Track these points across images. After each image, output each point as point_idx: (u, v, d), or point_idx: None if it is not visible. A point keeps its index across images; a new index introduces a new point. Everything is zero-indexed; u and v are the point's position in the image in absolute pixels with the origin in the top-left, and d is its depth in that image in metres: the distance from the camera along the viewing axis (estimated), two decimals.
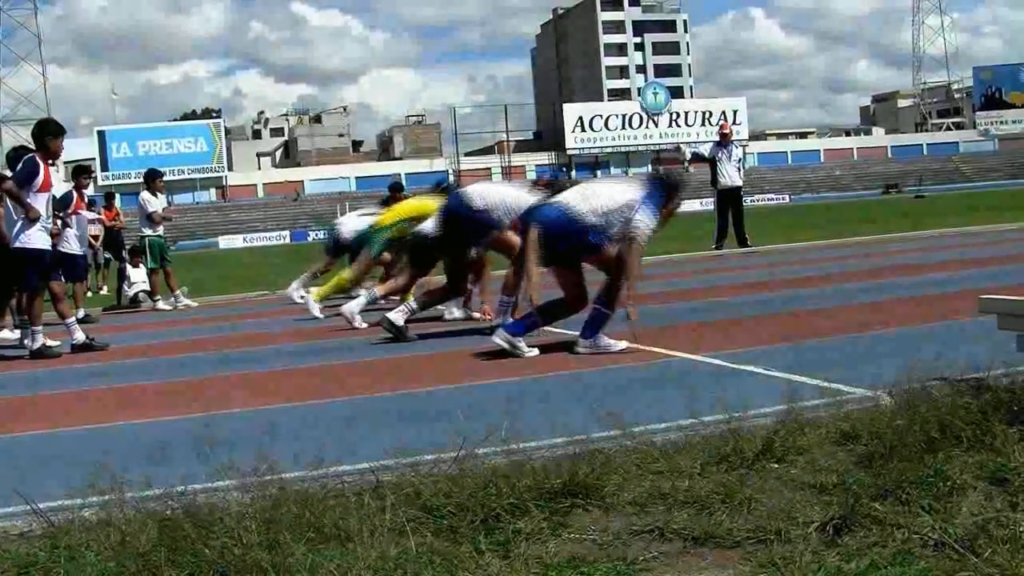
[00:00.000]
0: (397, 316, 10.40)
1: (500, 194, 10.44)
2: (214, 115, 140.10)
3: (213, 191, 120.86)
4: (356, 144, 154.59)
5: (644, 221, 8.38)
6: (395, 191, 17.74)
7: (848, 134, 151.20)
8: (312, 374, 8.85)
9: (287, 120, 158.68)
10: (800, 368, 6.74)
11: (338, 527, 3.70)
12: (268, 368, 9.42)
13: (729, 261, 19.10)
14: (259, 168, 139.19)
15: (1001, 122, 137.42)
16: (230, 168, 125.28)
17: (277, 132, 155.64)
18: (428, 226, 11.32)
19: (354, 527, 3.66)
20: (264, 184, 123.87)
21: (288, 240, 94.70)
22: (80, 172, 17.59)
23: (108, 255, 23.96)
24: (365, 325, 11.73)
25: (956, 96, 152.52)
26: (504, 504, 3.86)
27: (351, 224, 16.25)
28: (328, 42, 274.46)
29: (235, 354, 10.72)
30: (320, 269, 17.00)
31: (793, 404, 4.92)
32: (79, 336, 11.78)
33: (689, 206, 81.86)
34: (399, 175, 24.48)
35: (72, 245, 15.07)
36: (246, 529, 3.64)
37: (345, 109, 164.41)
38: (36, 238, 11.37)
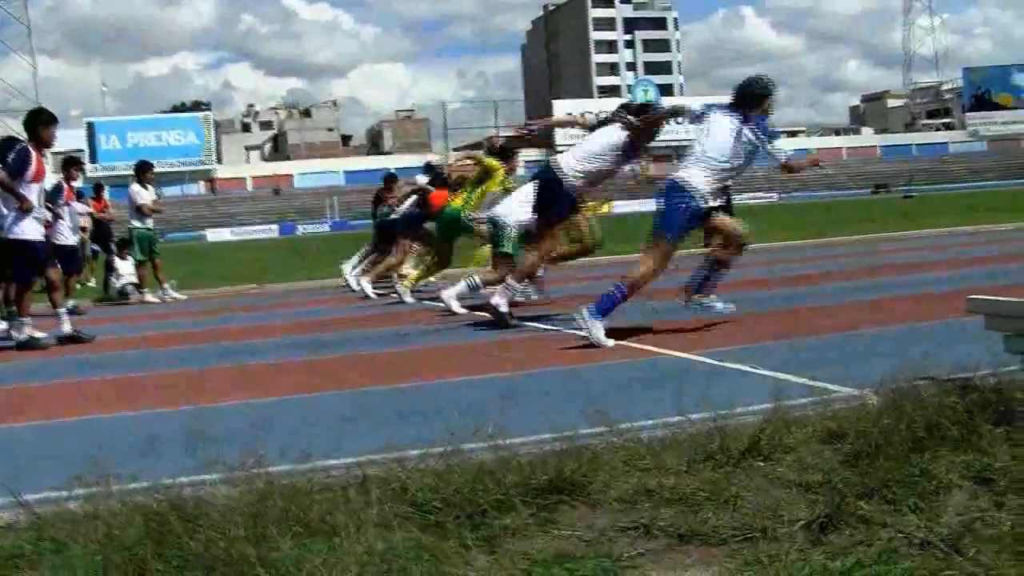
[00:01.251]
0: (500, 300, 10.47)
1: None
2: (204, 108, 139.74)
3: (202, 184, 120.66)
4: (345, 138, 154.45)
5: None
6: (390, 181, 18.41)
7: (838, 133, 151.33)
8: (304, 368, 8.86)
9: (277, 114, 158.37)
10: (788, 366, 6.75)
11: (324, 521, 3.69)
12: (260, 361, 9.42)
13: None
14: (248, 161, 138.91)
15: (990, 123, 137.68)
16: (219, 161, 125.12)
17: (266, 126, 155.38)
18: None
19: (340, 522, 3.65)
20: (253, 177, 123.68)
21: (276, 234, 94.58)
22: (71, 164, 17.57)
23: (96, 247, 23.90)
24: (464, 311, 11.70)
25: (946, 97, 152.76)
26: (491, 500, 3.85)
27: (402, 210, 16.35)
28: (318, 36, 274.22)
29: (226, 347, 10.73)
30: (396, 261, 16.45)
31: (780, 402, 4.92)
32: (67, 327, 11.75)
33: None
34: (389, 170, 24.57)
35: (66, 236, 15.07)
36: (232, 523, 3.64)
37: (335, 103, 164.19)
38: (29, 229, 11.33)
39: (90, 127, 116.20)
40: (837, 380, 6.07)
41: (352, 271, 17.15)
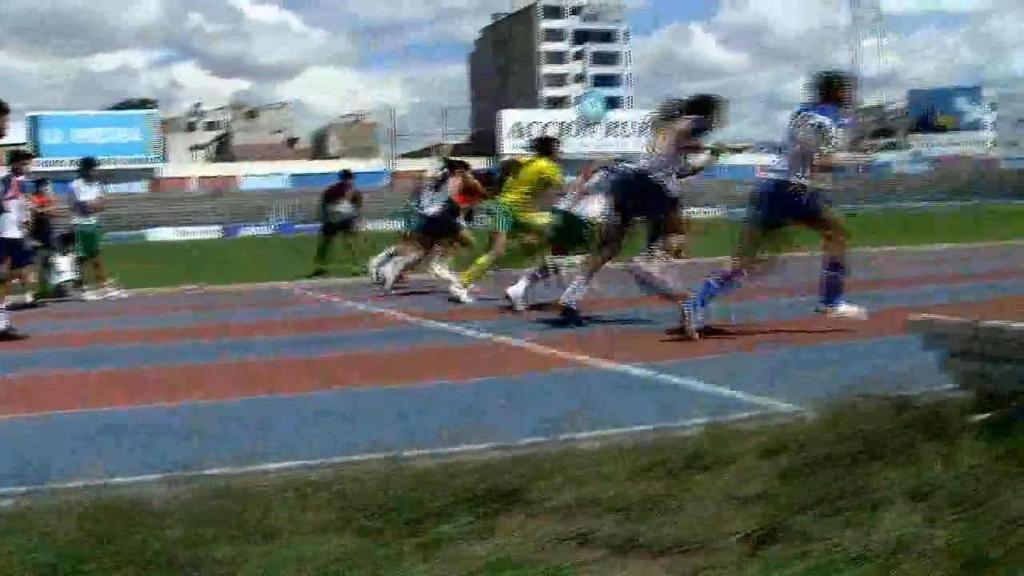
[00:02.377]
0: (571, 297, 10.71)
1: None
2: (150, 105, 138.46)
3: (146, 182, 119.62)
4: (291, 141, 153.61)
5: None
6: (346, 177, 21.30)
7: (782, 150, 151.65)
8: (252, 369, 8.79)
9: (223, 114, 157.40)
10: (729, 380, 6.77)
11: (261, 525, 3.67)
12: (200, 361, 9.35)
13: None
14: (193, 161, 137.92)
15: (934, 144, 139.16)
16: (164, 160, 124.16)
17: (212, 126, 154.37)
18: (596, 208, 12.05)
19: (278, 526, 3.64)
20: (198, 178, 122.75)
21: (220, 235, 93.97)
22: (20, 157, 17.30)
23: (36, 242, 23.60)
24: (523, 307, 12.08)
25: (890, 118, 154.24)
26: (430, 507, 3.84)
27: (430, 205, 16.78)
28: (267, 37, 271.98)
29: (167, 346, 10.63)
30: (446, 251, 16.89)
31: (721, 415, 4.95)
32: (2, 324, 11.61)
33: None
34: (344, 170, 24.51)
35: (13, 231, 14.88)
36: (168, 524, 3.61)
37: (282, 105, 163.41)
38: None
39: (34, 121, 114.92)
40: (777, 395, 6.11)
41: (383, 265, 17.07)
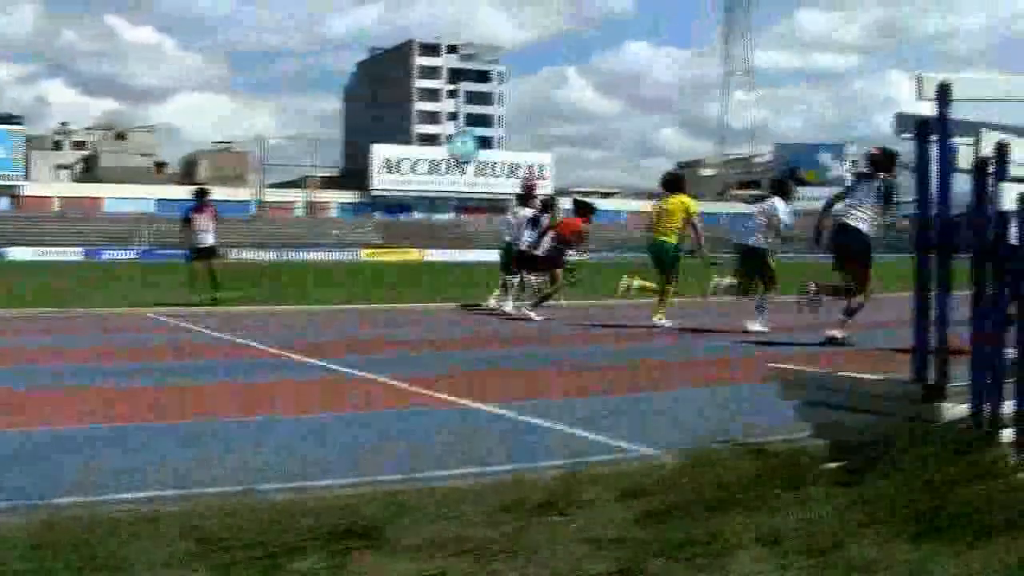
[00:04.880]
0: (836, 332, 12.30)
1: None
2: (15, 121, 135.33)
3: (7, 200, 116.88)
4: (160, 165, 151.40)
5: None
6: (203, 196, 21.28)
7: (651, 197, 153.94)
8: (95, 396, 8.57)
9: (91, 134, 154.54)
10: (588, 423, 6.81)
11: (114, 558, 3.58)
12: (51, 385, 9.11)
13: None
14: (58, 180, 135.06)
15: (797, 198, 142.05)
16: (27, 177, 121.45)
17: (79, 145, 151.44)
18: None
19: (129, 558, 3.55)
20: (62, 198, 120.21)
21: (82, 257, 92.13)
22: None
23: None
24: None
25: (757, 169, 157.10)
26: (285, 543, 3.79)
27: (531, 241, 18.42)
28: (141, 59, 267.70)
29: (23, 368, 10.35)
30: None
31: (579, 458, 4.97)
32: None
33: (489, 256, 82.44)
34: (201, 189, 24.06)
35: None
36: (12, 555, 3.51)
37: (152, 128, 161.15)
38: None
39: None
40: (636, 439, 6.16)
41: (504, 300, 18.93)
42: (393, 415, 7.62)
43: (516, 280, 18.83)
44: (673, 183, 16.60)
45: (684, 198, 16.00)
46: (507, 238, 19.89)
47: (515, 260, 18.90)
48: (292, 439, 6.43)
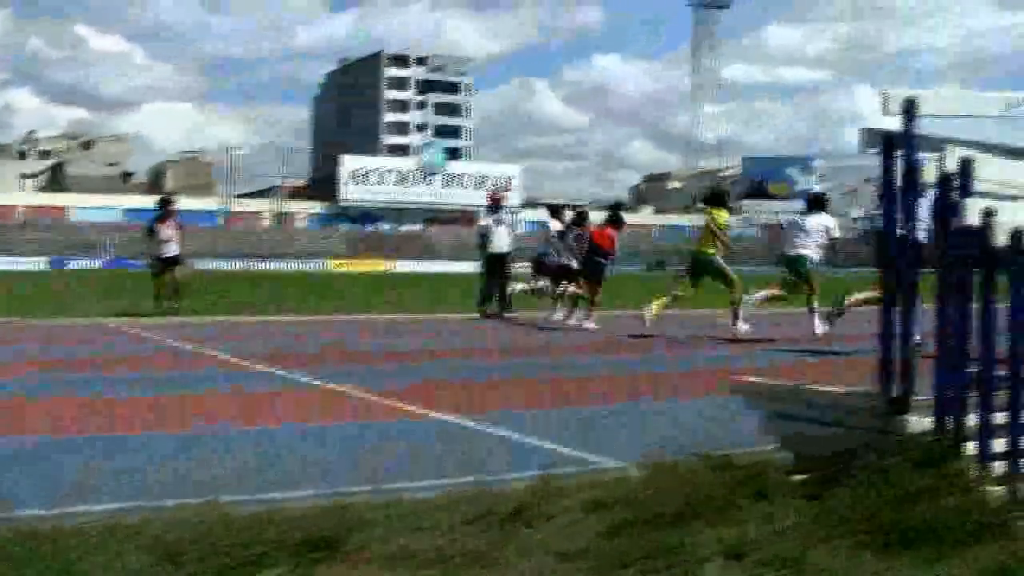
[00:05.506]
0: None
1: None
2: None
3: None
4: (127, 175, 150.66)
5: None
6: (167, 204, 21.14)
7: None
8: (73, 405, 8.50)
9: (58, 143, 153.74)
10: (556, 435, 6.81)
11: (74, 570, 3.56)
12: (9, 396, 9.04)
13: (491, 324, 19.27)
14: (23, 189, 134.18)
15: (764, 211, 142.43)
16: None
17: (45, 154, 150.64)
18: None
19: (91, 571, 3.53)
20: (27, 207, 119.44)
21: (46, 267, 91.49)
22: None
23: None
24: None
25: (725, 183, 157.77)
26: (249, 554, 3.78)
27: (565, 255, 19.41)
28: (109, 67, 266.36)
29: None
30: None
31: (546, 470, 4.97)
32: None
33: (458, 267, 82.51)
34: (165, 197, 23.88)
35: None
36: None
37: (120, 138, 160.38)
38: None
39: None
40: (603, 451, 6.17)
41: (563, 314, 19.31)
42: (358, 427, 7.59)
43: (542, 284, 19.93)
44: (716, 198, 17.28)
45: (720, 211, 16.66)
46: (539, 250, 20.63)
47: (551, 270, 19.62)
48: (257, 450, 6.40)
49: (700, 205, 17.76)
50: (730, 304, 16.17)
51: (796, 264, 15.57)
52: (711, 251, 16.24)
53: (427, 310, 22.81)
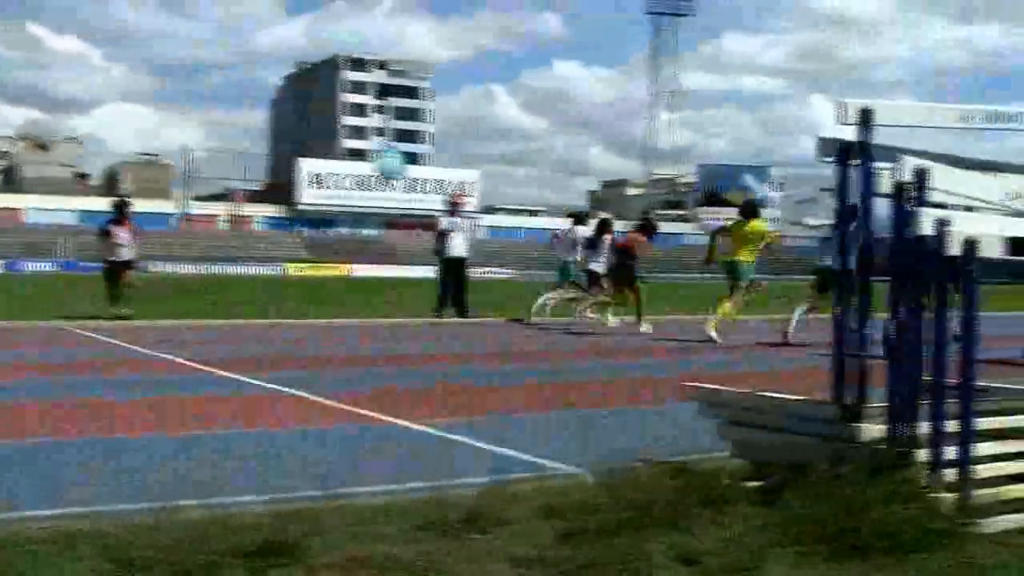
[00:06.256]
0: None
1: None
2: None
3: None
4: (82, 176, 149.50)
5: None
6: (122, 207, 21.01)
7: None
8: (22, 410, 8.42)
9: (11, 144, 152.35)
10: (508, 441, 6.80)
11: None
12: None
13: (448, 329, 19.23)
14: None
15: (719, 219, 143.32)
16: None
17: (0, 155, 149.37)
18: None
19: None
20: None
21: (1, 269, 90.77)
22: None
23: None
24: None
25: (682, 190, 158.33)
26: (201, 560, 3.75)
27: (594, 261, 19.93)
28: (64, 68, 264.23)
29: None
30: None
31: (499, 476, 4.97)
32: None
33: (417, 272, 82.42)
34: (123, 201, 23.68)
35: None
36: None
37: (76, 139, 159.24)
38: None
39: None
40: (556, 457, 6.16)
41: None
42: (314, 432, 7.56)
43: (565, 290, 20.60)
44: (752, 210, 17.43)
45: (760, 223, 16.97)
46: (563, 257, 21.69)
47: (588, 277, 20.10)
48: (210, 455, 6.36)
49: (729, 220, 17.74)
50: (713, 311, 16.38)
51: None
52: (749, 259, 16.49)
53: (385, 314, 22.70)
